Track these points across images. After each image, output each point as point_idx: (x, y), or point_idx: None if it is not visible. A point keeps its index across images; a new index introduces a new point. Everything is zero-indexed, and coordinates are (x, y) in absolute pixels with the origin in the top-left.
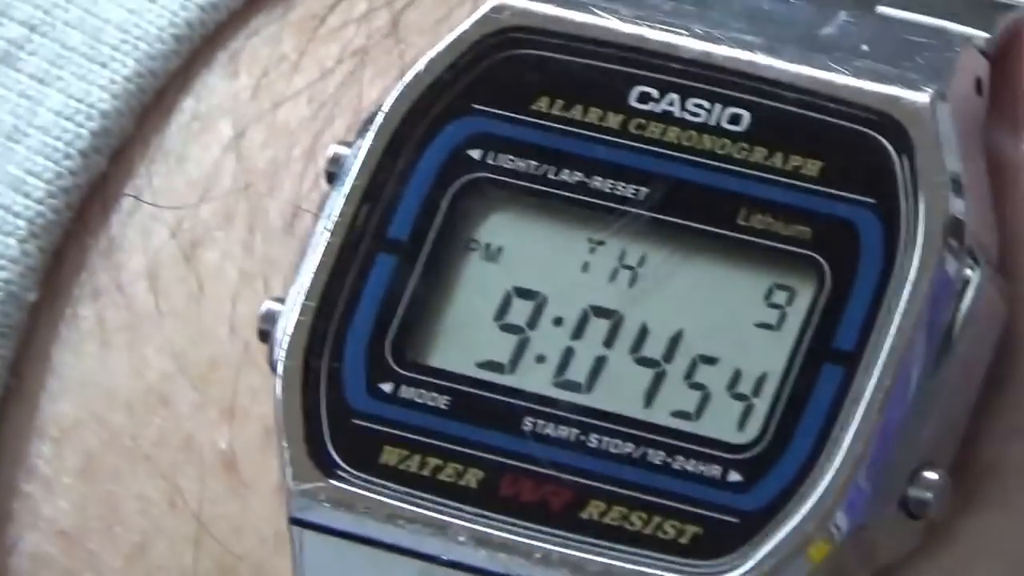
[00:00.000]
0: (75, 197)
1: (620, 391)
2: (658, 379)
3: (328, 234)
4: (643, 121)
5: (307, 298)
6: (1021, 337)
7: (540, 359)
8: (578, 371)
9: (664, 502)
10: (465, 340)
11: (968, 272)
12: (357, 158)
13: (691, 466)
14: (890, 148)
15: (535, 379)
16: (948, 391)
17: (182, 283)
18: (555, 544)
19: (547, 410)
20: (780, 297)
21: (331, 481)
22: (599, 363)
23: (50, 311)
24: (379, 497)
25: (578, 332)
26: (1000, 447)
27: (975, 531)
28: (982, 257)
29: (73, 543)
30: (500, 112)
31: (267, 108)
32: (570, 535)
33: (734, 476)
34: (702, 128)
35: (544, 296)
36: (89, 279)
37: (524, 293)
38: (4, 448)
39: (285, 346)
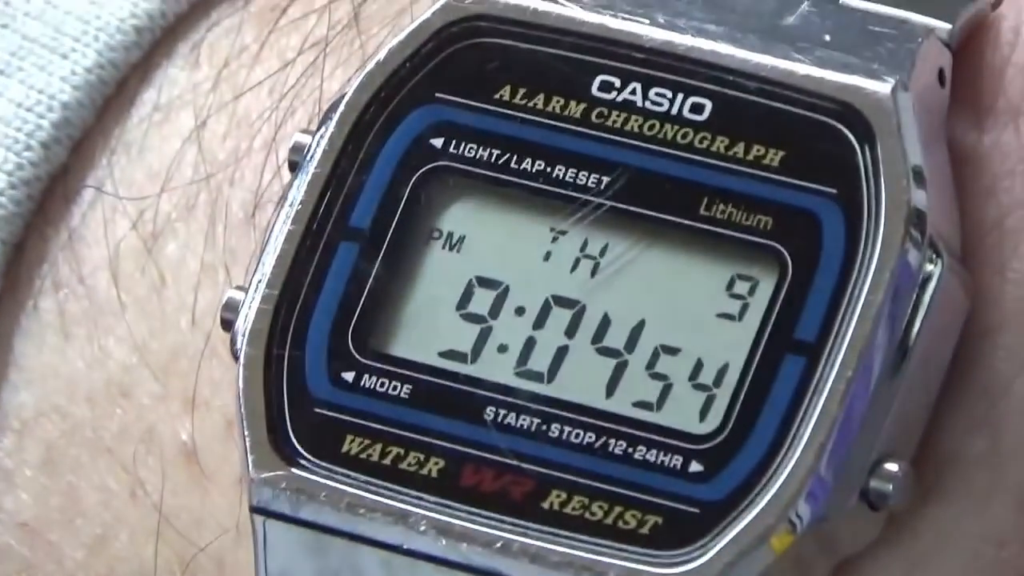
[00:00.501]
0: (36, 189)
1: (582, 381)
2: (620, 369)
3: (290, 222)
4: (605, 110)
5: (269, 286)
6: (982, 329)
7: (502, 349)
8: (540, 361)
9: (625, 492)
10: (427, 329)
11: (929, 264)
12: (319, 146)
13: (652, 456)
14: (852, 138)
15: (497, 369)
16: (909, 382)
17: (143, 274)
18: (516, 534)
19: (509, 400)
20: (742, 287)
21: (292, 470)
22: (561, 353)
23: (11, 303)
24: (340, 486)
25: (540, 322)
26: (961, 439)
27: (936, 522)
28: (944, 248)
29: (34, 535)
30: (462, 101)
31: (228, 99)
32: (531, 525)
33: (695, 466)
34: (664, 117)
35: (506, 285)
36: (50, 271)
37: (486, 282)
38: None
39: (247, 334)
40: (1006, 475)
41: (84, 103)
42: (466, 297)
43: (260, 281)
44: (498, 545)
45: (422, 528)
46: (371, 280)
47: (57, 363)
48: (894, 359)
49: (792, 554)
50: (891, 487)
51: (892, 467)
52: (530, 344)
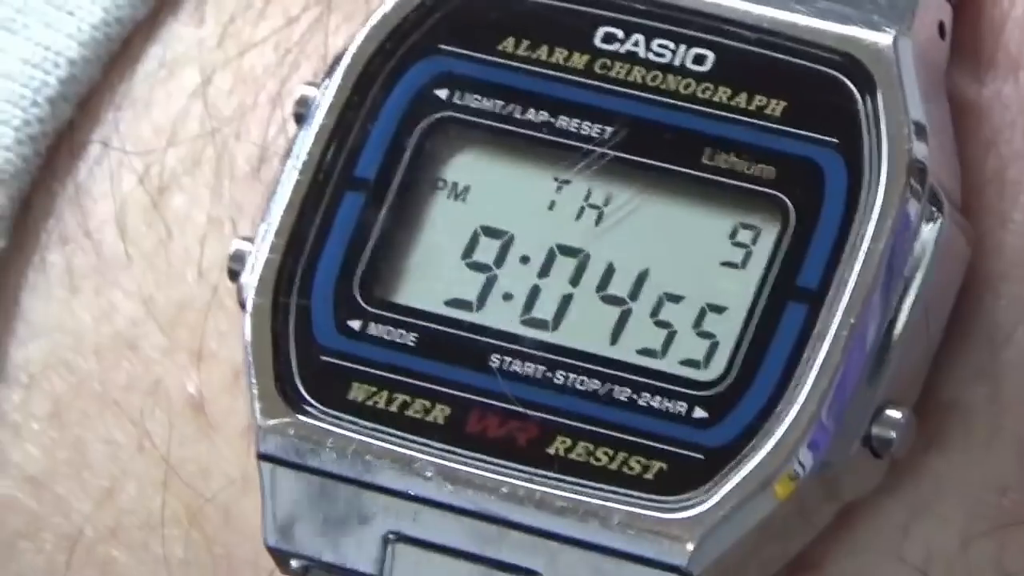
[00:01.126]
0: (42, 144)
1: (586, 329)
2: (624, 317)
3: (296, 173)
4: (608, 61)
5: (276, 236)
6: (983, 278)
7: (507, 297)
8: (545, 309)
9: (630, 438)
10: (432, 278)
11: (931, 213)
12: (325, 98)
13: (656, 402)
14: (853, 88)
15: (502, 316)
16: (911, 330)
17: (150, 228)
18: (521, 479)
19: (514, 347)
20: (745, 236)
21: (299, 417)
22: (565, 301)
23: (18, 257)
24: (347, 433)
25: (545, 270)
26: (963, 387)
27: (938, 470)
28: (945, 198)
29: (42, 488)
30: (466, 52)
31: (233, 55)
32: (536, 470)
33: (699, 412)
34: (666, 68)
35: (511, 235)
36: (57, 225)
37: (491, 232)
38: None
39: (254, 284)
40: (1007, 423)
41: (90, 60)
42: (471, 246)
43: (267, 231)
44: (503, 490)
45: (428, 474)
46: (377, 230)
47: (64, 317)
48: (895, 307)
49: (795, 500)
50: (893, 434)
51: (894, 414)
52: (535, 292)
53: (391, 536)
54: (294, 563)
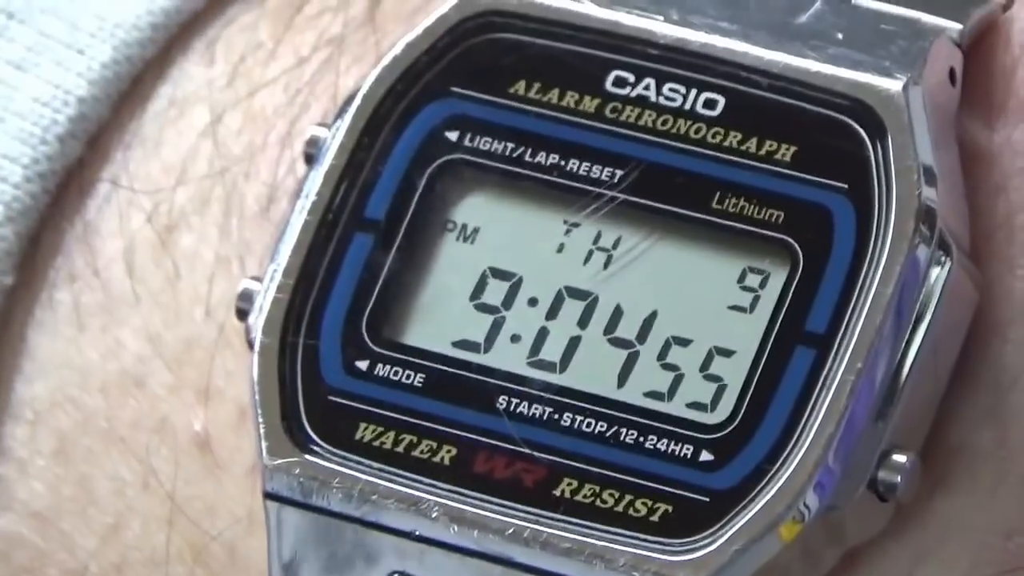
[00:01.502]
0: (52, 182)
1: (594, 371)
2: (631, 359)
3: (306, 213)
4: (619, 105)
5: (284, 276)
6: (991, 323)
7: (515, 339)
8: (552, 351)
9: (636, 480)
10: (440, 319)
11: (939, 258)
12: (335, 139)
13: (663, 445)
14: (863, 134)
15: (510, 358)
16: (918, 375)
17: (158, 267)
18: (527, 521)
19: (521, 388)
20: (753, 280)
21: (306, 456)
22: (573, 343)
23: (26, 294)
24: (353, 472)
25: (553, 313)
26: (969, 431)
27: (943, 514)
28: (953, 244)
29: (47, 524)
30: (477, 95)
31: (243, 95)
32: (542, 512)
33: (705, 455)
34: (677, 112)
35: (519, 277)
36: (65, 263)
37: (499, 274)
38: None
39: (262, 323)
40: (1013, 467)
41: (100, 98)
42: (480, 287)
43: (276, 271)
44: (509, 532)
45: (434, 515)
46: (385, 270)
47: (71, 354)
48: (903, 352)
49: (800, 543)
50: (899, 478)
51: (900, 458)
52: (543, 334)
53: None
54: None
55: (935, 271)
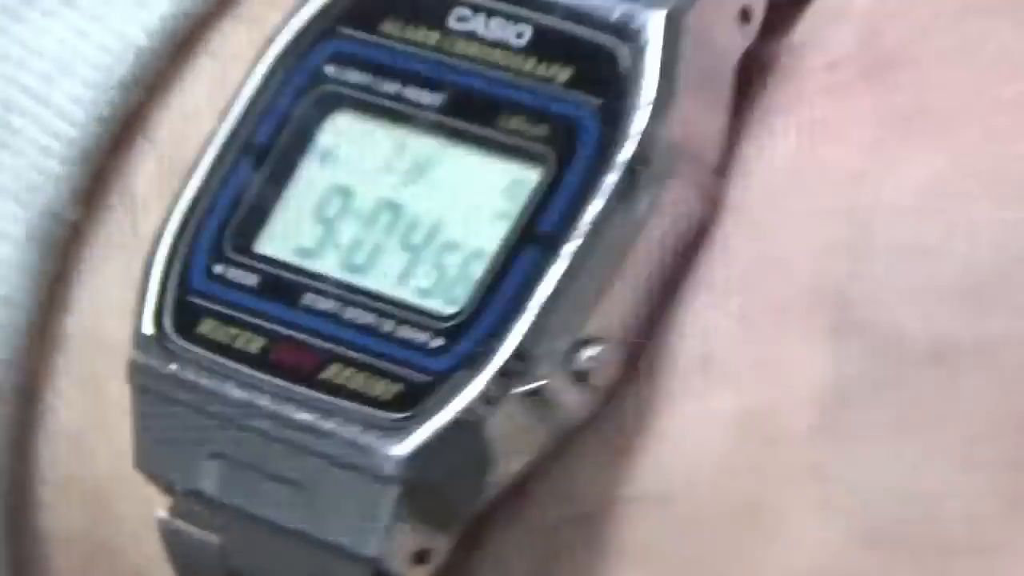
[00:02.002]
0: (115, 126)
1: (385, 272)
2: (413, 262)
3: (212, 144)
4: (455, 39)
5: (184, 195)
6: (721, 235)
7: (336, 246)
8: (360, 256)
9: (385, 364)
10: (288, 230)
11: (668, 170)
12: (252, 75)
13: (410, 333)
14: (622, 57)
15: (329, 263)
16: (631, 273)
17: None
18: (295, 396)
19: (324, 287)
20: (515, 189)
21: (162, 346)
22: (377, 249)
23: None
24: (191, 361)
25: (371, 222)
26: (679, 335)
27: (642, 398)
28: (681, 160)
29: None
30: (354, 33)
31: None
32: (308, 391)
33: (437, 342)
34: (495, 43)
35: (353, 191)
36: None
37: (339, 189)
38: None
39: (161, 234)
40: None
41: (159, 49)
42: (324, 202)
43: (183, 191)
44: (278, 411)
45: (235, 396)
46: (255, 189)
47: None
48: (618, 253)
49: (503, 423)
50: (597, 364)
51: (599, 346)
52: (357, 240)
53: (216, 455)
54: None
55: (660, 182)
